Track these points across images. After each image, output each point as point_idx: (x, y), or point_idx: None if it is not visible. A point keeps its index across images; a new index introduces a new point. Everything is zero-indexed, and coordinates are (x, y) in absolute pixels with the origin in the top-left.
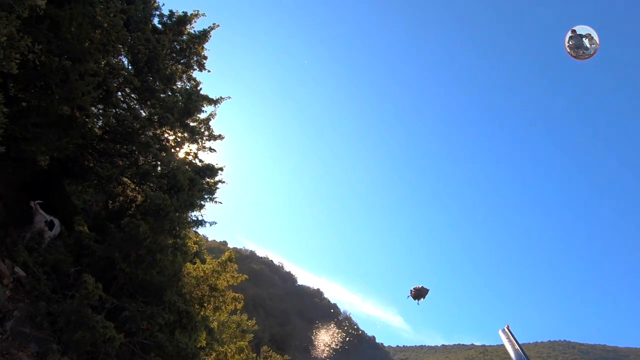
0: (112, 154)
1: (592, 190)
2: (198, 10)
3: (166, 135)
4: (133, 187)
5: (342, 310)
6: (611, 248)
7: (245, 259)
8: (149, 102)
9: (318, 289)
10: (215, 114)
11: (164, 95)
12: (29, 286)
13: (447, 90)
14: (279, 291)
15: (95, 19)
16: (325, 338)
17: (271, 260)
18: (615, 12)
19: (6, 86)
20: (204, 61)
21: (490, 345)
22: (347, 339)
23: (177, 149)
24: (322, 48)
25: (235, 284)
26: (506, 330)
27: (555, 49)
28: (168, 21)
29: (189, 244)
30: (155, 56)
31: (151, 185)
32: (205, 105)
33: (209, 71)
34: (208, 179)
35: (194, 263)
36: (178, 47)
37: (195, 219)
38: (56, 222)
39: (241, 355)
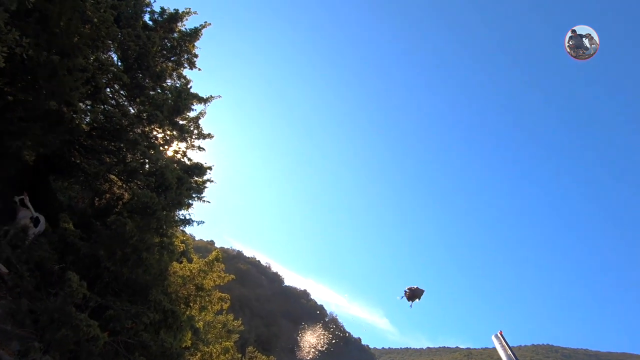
0: (100, 150)
1: (575, 196)
2: (190, 8)
3: (155, 133)
4: (120, 184)
5: (328, 312)
6: (594, 254)
7: (232, 259)
8: (138, 99)
9: (305, 290)
10: (205, 113)
11: (153, 93)
12: (11, 283)
13: (433, 90)
14: (265, 292)
15: (85, 14)
16: (311, 339)
17: (258, 261)
18: (602, 17)
19: None
20: (195, 59)
21: (475, 348)
22: (333, 340)
23: (166, 147)
24: (312, 48)
25: (221, 283)
26: (499, 335)
27: (553, 49)
28: (159, 18)
29: (176, 243)
30: (146, 53)
31: (139, 183)
32: (195, 104)
33: (199, 69)
34: (196, 178)
35: (181, 262)
36: (169, 44)
37: (183, 217)
38: (41, 218)
39: (226, 355)
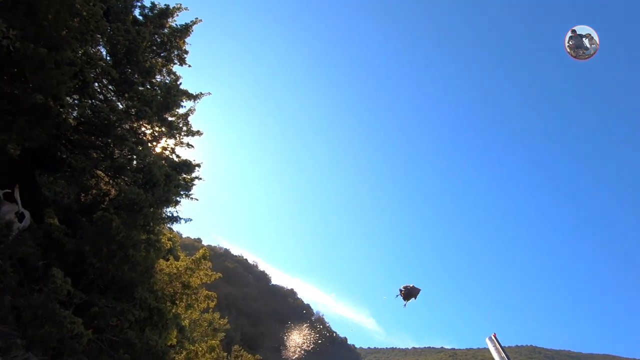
0: (87, 145)
1: (559, 199)
2: (180, 4)
3: (143, 129)
4: (107, 180)
5: (315, 311)
6: (577, 257)
7: (220, 257)
8: (126, 95)
9: (292, 289)
10: (194, 110)
11: (142, 88)
12: None
13: (423, 90)
14: (252, 290)
15: (74, 7)
16: (298, 339)
17: (245, 259)
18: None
19: None
20: (185, 55)
21: (460, 349)
22: (319, 340)
23: (154, 143)
24: (303, 46)
25: (208, 282)
26: (493, 338)
27: (543, 51)
28: (149, 13)
29: (163, 240)
30: (135, 48)
31: (126, 179)
32: (184, 100)
33: (189, 66)
34: (185, 175)
35: (167, 260)
36: (159, 40)
37: (170, 215)
38: (27, 214)
39: (212, 354)
